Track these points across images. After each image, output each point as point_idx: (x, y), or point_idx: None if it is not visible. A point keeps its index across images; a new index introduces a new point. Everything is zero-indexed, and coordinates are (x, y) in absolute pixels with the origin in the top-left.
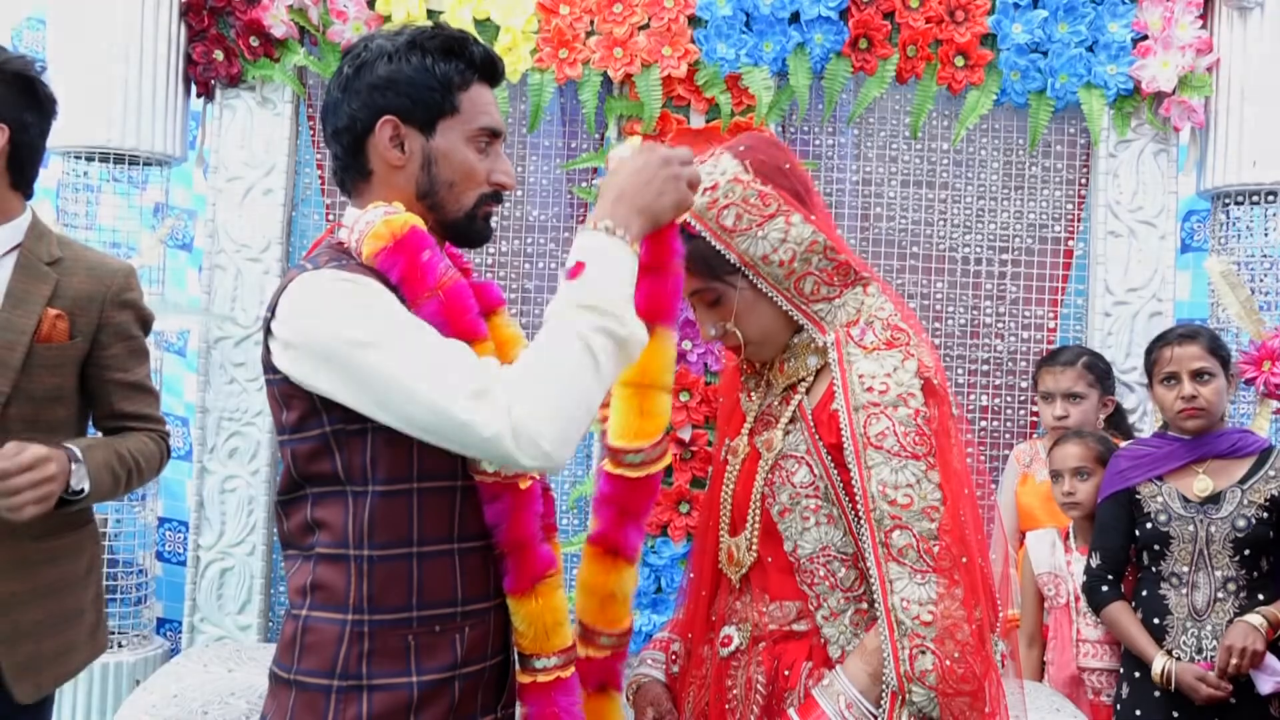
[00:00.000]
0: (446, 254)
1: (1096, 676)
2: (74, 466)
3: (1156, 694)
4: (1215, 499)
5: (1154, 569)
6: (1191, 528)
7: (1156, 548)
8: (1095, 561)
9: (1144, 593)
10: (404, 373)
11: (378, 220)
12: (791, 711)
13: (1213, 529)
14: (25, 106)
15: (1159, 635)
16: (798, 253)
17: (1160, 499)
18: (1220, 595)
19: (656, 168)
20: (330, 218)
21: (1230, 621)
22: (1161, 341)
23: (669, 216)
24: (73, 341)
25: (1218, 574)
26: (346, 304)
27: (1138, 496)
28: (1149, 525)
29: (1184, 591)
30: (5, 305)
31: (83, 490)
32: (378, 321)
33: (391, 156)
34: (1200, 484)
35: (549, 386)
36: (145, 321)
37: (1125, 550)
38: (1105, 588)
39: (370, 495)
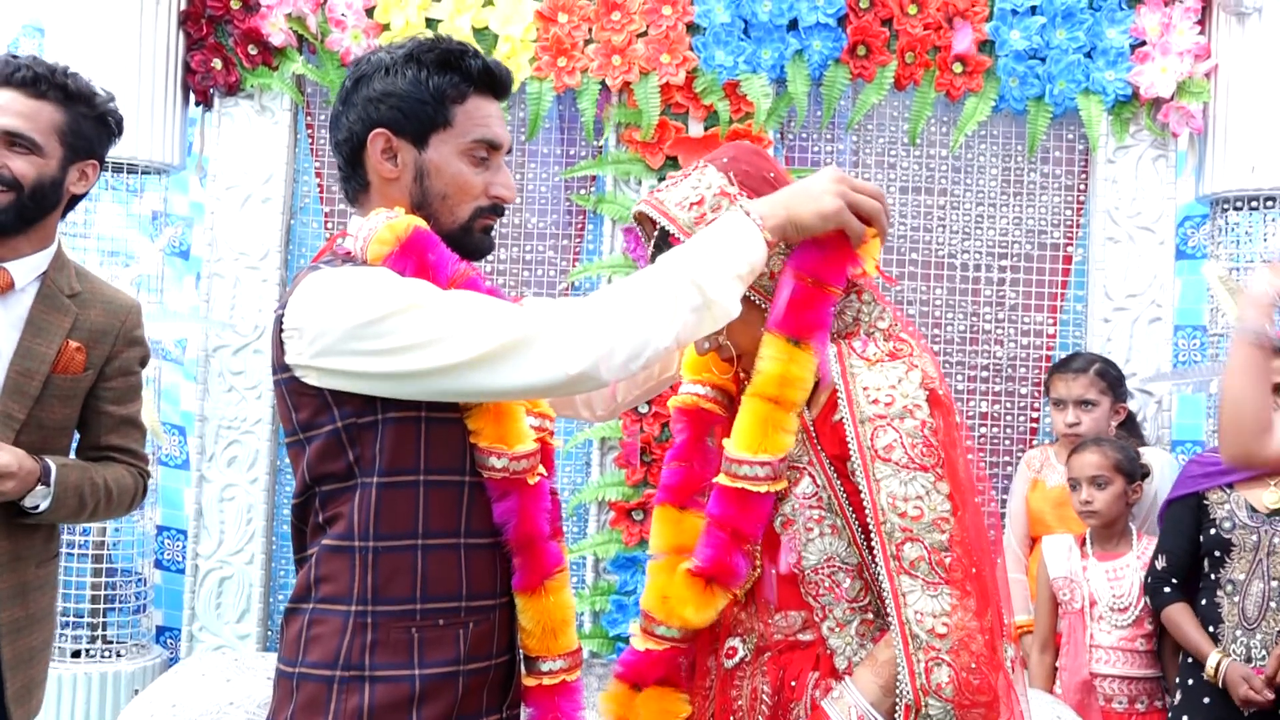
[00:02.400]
0: None
1: (1108, 683)
2: (39, 486)
3: (1207, 700)
4: None
5: (1213, 576)
6: (1255, 537)
7: (1218, 554)
8: (1160, 564)
9: (1203, 601)
10: (444, 318)
11: (380, 225)
12: None
13: (1276, 540)
14: (108, 144)
15: (1210, 642)
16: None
17: (1227, 506)
18: (1274, 604)
19: (825, 179)
20: (329, 226)
21: None
22: None
23: (809, 222)
24: (85, 374)
25: (1274, 583)
26: (367, 284)
27: (1206, 503)
28: (1212, 532)
29: (1236, 599)
30: (26, 334)
31: (38, 506)
32: (405, 289)
33: (384, 169)
34: (1270, 495)
35: (618, 306)
36: (145, 359)
37: (1191, 555)
38: (1167, 589)
39: (376, 486)
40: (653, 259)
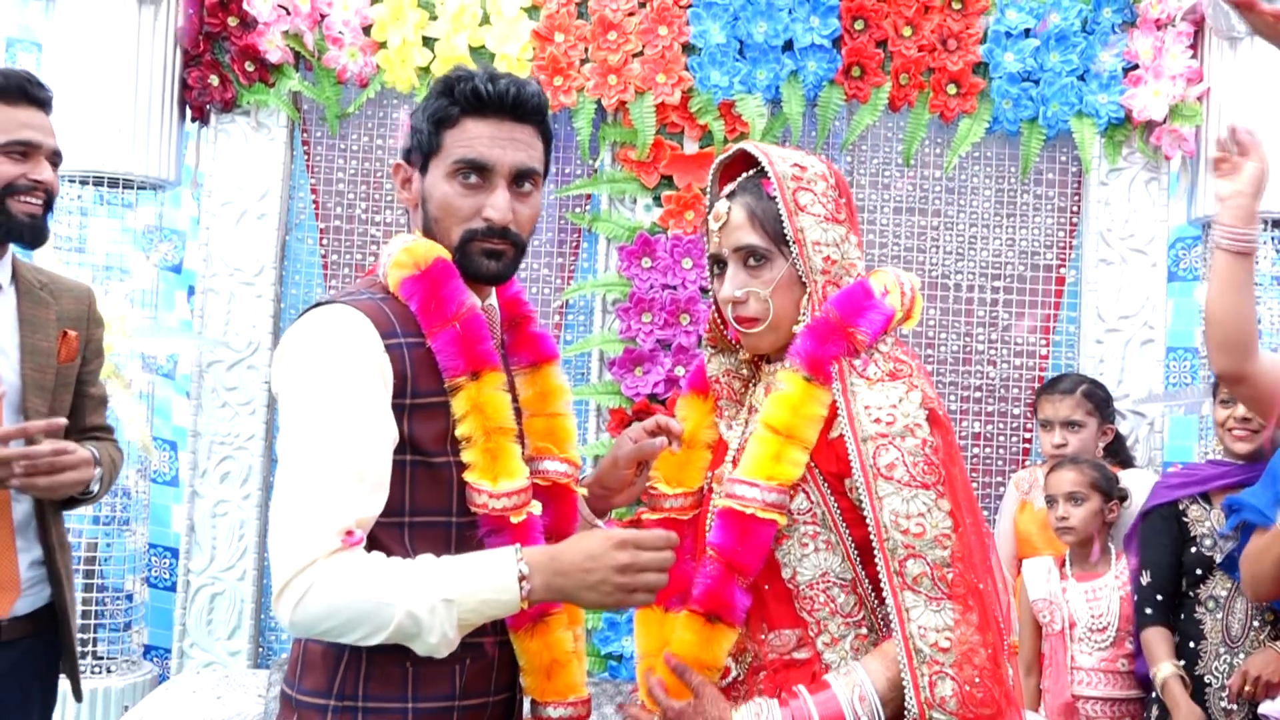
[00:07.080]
0: (509, 300)
1: (1091, 705)
2: (96, 470)
3: None
4: None
5: (1193, 593)
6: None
7: (1199, 572)
8: (1146, 579)
9: (1182, 616)
10: (292, 473)
11: (398, 249)
12: (800, 687)
13: None
14: None
15: (1192, 659)
16: (839, 262)
17: (1208, 523)
18: (1256, 624)
19: (609, 570)
20: (324, 243)
21: None
22: None
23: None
24: (78, 360)
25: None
26: (311, 374)
27: (1185, 519)
28: (1193, 549)
29: (1219, 616)
30: (25, 331)
31: (91, 491)
32: (323, 412)
33: (402, 196)
34: None
35: (347, 600)
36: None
37: (1175, 569)
38: (1150, 610)
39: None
40: (718, 205)
